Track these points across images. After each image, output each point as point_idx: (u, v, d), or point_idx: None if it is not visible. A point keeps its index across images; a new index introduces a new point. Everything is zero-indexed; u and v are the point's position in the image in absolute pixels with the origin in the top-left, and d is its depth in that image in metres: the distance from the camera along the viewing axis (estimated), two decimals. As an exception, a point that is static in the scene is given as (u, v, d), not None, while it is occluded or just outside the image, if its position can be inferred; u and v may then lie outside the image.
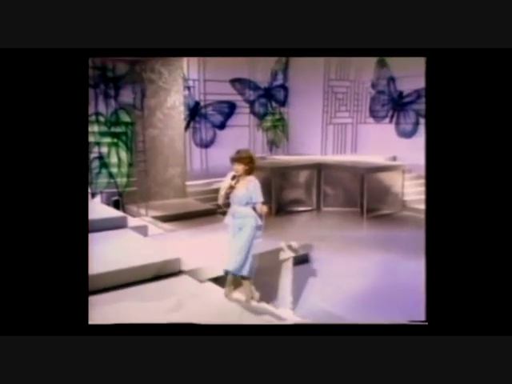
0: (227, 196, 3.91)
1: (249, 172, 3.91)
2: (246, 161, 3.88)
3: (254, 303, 4.10)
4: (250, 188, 3.86)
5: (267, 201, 8.81)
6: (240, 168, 3.86)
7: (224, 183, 3.92)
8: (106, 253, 4.31)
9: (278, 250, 4.78)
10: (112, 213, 5.58)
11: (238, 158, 3.89)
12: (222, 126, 10.72)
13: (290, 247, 4.80)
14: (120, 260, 4.15)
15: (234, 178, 3.89)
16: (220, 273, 4.26)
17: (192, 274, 4.31)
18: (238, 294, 4.13)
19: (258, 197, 3.88)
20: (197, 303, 3.76)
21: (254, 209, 3.91)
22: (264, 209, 3.86)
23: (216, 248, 4.41)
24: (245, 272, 3.96)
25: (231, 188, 3.88)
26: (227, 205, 3.99)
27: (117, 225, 5.08)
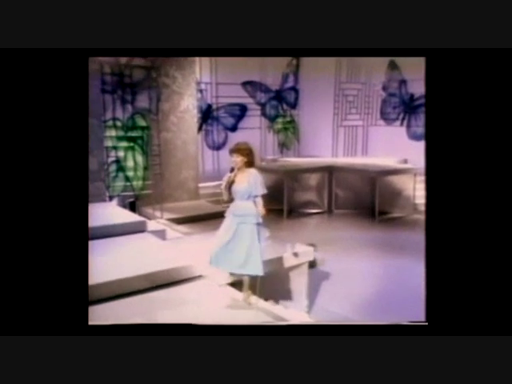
0: (229, 190, 3.83)
1: (248, 165, 3.83)
2: (245, 152, 3.82)
3: (272, 306, 4.17)
4: (251, 181, 3.79)
5: (280, 202, 8.95)
6: (239, 160, 3.80)
7: (225, 177, 3.86)
8: (126, 258, 4.42)
9: (290, 255, 4.82)
10: (131, 217, 5.71)
11: (236, 149, 3.84)
12: (233, 129, 10.82)
13: (295, 254, 4.78)
14: (136, 265, 4.21)
15: (232, 170, 3.82)
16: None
17: (211, 278, 4.39)
18: (257, 299, 4.20)
19: (258, 190, 3.80)
20: (217, 307, 3.85)
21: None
22: (262, 211, 3.80)
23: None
24: (258, 272, 3.88)
25: (231, 182, 3.81)
26: (232, 200, 3.91)
27: (136, 229, 5.20)
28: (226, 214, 3.93)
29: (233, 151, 3.85)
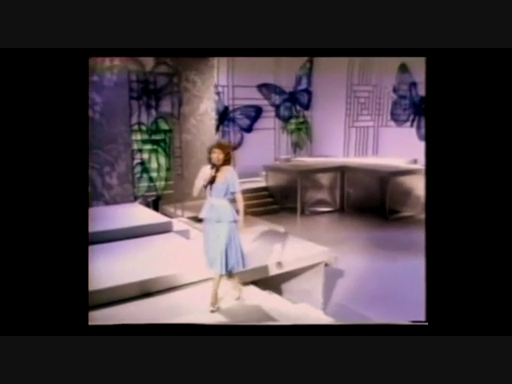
0: (205, 187, 3.73)
1: (226, 162, 3.78)
2: (227, 150, 3.78)
3: (292, 305, 4.41)
4: (228, 177, 3.74)
5: (293, 200, 9.21)
6: (221, 157, 3.72)
7: (201, 174, 3.76)
8: (153, 258, 4.69)
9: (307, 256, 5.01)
10: (158, 218, 6.02)
11: (220, 145, 3.83)
12: (249, 130, 11.20)
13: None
14: (163, 266, 4.44)
15: (213, 166, 3.72)
16: (260, 275, 4.49)
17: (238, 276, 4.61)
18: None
19: (236, 186, 3.77)
20: (240, 306, 3.98)
21: (233, 200, 3.80)
22: (242, 208, 3.82)
23: (254, 249, 4.70)
24: (234, 268, 3.89)
25: (213, 178, 3.71)
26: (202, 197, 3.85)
27: (163, 229, 5.56)
28: (202, 215, 3.85)
29: (215, 147, 3.78)
